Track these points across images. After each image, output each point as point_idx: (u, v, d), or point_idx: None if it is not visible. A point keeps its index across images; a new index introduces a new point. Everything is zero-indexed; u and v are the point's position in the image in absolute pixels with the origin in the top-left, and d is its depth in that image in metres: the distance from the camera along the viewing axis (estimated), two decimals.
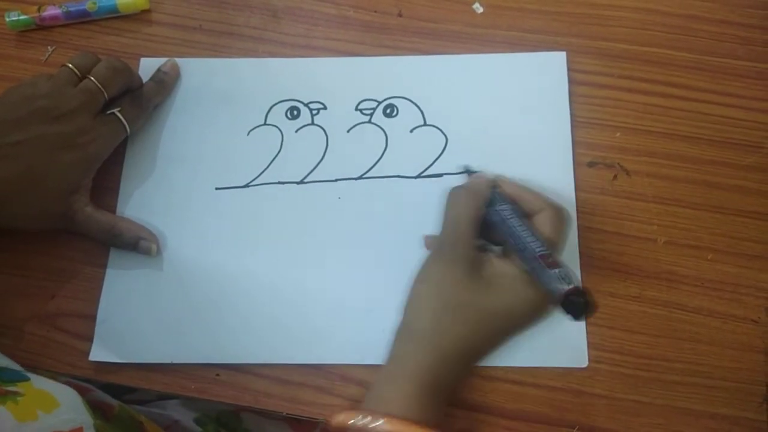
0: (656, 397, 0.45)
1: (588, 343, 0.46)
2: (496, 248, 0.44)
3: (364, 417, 0.38)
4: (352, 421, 0.38)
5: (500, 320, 0.41)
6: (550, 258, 0.39)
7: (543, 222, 0.42)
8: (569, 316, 0.38)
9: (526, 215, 0.42)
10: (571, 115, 0.52)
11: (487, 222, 0.43)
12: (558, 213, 0.42)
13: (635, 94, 0.52)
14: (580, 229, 0.49)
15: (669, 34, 0.54)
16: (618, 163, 0.51)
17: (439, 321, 0.41)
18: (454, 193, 0.44)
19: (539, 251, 0.39)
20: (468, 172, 0.49)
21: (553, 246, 0.41)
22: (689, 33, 0.54)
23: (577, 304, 0.37)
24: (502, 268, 0.41)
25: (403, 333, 0.42)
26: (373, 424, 0.37)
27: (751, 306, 0.47)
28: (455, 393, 0.43)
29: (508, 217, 0.42)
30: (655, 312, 0.47)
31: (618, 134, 0.51)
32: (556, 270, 0.38)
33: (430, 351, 0.40)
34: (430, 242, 0.47)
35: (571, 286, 0.37)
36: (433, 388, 0.40)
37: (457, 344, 0.40)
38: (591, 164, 0.51)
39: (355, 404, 0.45)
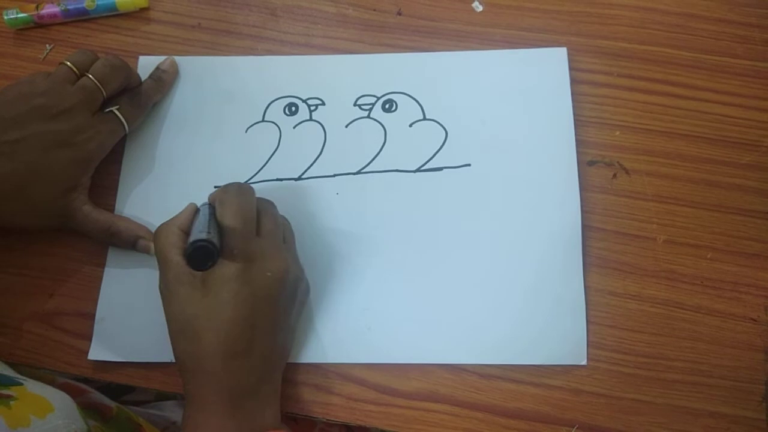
0: (656, 395, 0.45)
1: (587, 341, 0.46)
2: None
3: None
4: None
5: (230, 312, 0.41)
6: (191, 236, 0.41)
7: (219, 209, 0.43)
8: (196, 268, 0.40)
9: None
10: (573, 111, 0.52)
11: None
12: (222, 193, 0.44)
13: (634, 93, 0.52)
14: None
15: (668, 33, 0.54)
16: (617, 162, 0.51)
17: (185, 350, 0.41)
18: (156, 231, 0.44)
19: (192, 231, 0.41)
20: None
21: (234, 222, 0.42)
22: (688, 31, 0.54)
23: (190, 253, 0.39)
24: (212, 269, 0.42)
25: (180, 375, 0.43)
26: None
27: (751, 305, 0.47)
28: (267, 388, 0.43)
29: (193, 224, 0.43)
30: (655, 310, 0.47)
31: (617, 133, 0.51)
32: (190, 237, 0.40)
33: (199, 381, 0.41)
34: None
35: (189, 241, 0.39)
36: (230, 403, 0.40)
37: (212, 360, 0.40)
38: (591, 163, 0.51)
39: (369, 405, 0.45)
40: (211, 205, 0.44)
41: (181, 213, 0.44)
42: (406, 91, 0.53)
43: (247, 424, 0.40)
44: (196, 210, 0.44)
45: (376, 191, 0.50)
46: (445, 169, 0.51)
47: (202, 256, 0.40)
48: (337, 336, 0.47)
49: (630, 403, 0.45)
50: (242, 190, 0.44)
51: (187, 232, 0.43)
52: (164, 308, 0.43)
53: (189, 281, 0.41)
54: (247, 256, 0.41)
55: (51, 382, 0.45)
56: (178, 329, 0.42)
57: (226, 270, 0.41)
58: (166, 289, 0.42)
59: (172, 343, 0.42)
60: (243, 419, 0.40)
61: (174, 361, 0.46)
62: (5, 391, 0.36)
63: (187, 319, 0.41)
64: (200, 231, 0.40)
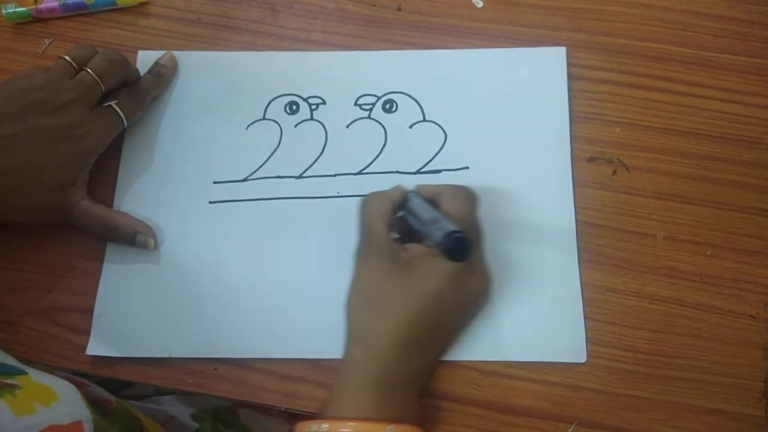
0: (655, 392, 0.45)
1: (587, 338, 0.46)
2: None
3: (321, 424, 0.39)
4: (314, 428, 0.39)
5: (427, 302, 0.42)
6: (438, 222, 0.40)
7: (446, 204, 0.43)
8: (453, 258, 0.39)
9: (436, 206, 0.44)
10: (570, 110, 0.52)
11: (407, 224, 0.45)
12: (457, 190, 0.44)
13: (635, 90, 0.52)
14: (579, 224, 0.49)
15: (668, 30, 0.54)
16: (617, 159, 0.51)
17: (366, 319, 0.43)
18: (366, 198, 0.46)
19: (429, 218, 0.41)
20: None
21: (461, 219, 0.42)
22: (688, 28, 0.54)
23: (455, 241, 0.38)
24: (415, 250, 0.43)
25: (346, 338, 0.44)
26: (334, 430, 0.39)
27: (750, 302, 0.47)
28: (416, 385, 0.44)
29: (415, 208, 0.44)
30: (654, 307, 0.47)
31: (617, 129, 0.51)
32: (439, 224, 0.40)
33: (367, 351, 0.42)
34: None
35: (448, 229, 0.39)
36: (385, 385, 0.41)
37: (389, 339, 0.41)
38: (590, 159, 0.51)
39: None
40: (423, 196, 0.45)
41: (391, 190, 0.45)
42: (406, 91, 0.53)
43: (391, 413, 0.40)
44: (403, 192, 0.45)
45: None
46: (444, 172, 0.51)
47: (462, 248, 0.39)
48: (337, 332, 0.47)
49: (629, 399, 0.45)
50: (472, 194, 0.45)
51: (394, 210, 0.44)
52: (355, 272, 0.45)
53: (391, 257, 0.42)
54: None
55: None
56: (365, 297, 0.43)
57: (440, 264, 0.42)
58: (364, 256, 0.44)
59: (351, 308, 0.44)
60: (389, 407, 0.41)
61: (170, 356, 0.46)
62: (10, 381, 0.36)
63: (379, 292, 0.42)
64: (440, 219, 0.41)
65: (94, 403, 0.45)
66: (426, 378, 0.45)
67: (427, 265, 0.42)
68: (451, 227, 0.39)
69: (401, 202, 0.45)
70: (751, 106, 0.51)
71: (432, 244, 0.41)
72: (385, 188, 0.50)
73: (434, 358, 0.45)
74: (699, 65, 0.53)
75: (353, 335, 0.43)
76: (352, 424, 0.39)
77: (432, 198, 0.45)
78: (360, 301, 0.44)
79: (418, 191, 0.46)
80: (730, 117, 0.51)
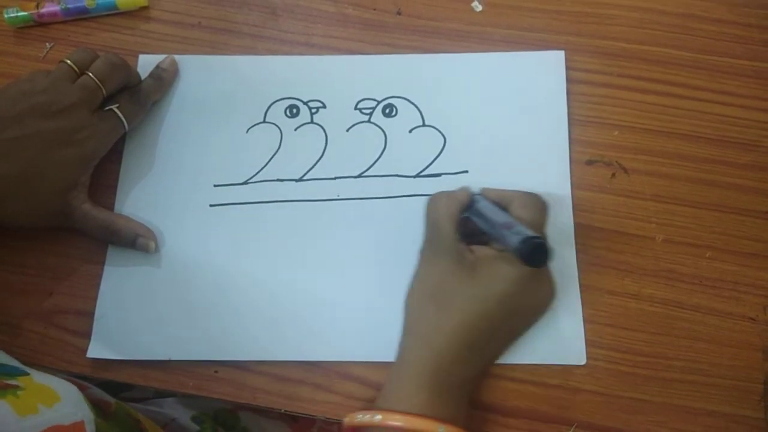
0: (654, 394, 0.45)
1: (586, 340, 0.46)
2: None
3: (374, 415, 0.39)
4: (366, 418, 0.40)
5: (491, 305, 0.42)
6: (514, 227, 0.40)
7: (518, 209, 0.43)
8: (530, 264, 0.39)
9: (505, 209, 0.44)
10: (569, 114, 0.52)
11: (471, 226, 0.45)
12: (529, 197, 0.44)
13: (634, 93, 0.52)
14: (578, 227, 0.49)
15: (667, 33, 0.54)
16: (616, 162, 0.51)
17: (428, 315, 0.43)
18: (434, 197, 0.46)
19: (503, 222, 0.41)
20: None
21: (532, 226, 0.42)
22: (687, 32, 0.54)
23: (534, 247, 0.38)
24: (482, 252, 0.43)
25: (404, 331, 0.44)
26: (386, 422, 0.39)
27: (749, 304, 0.47)
28: (468, 387, 0.44)
29: (485, 211, 0.43)
30: (654, 310, 0.47)
31: (616, 132, 0.51)
32: (515, 228, 0.40)
33: (425, 348, 0.42)
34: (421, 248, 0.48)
35: (527, 234, 0.38)
36: (440, 384, 0.41)
37: (449, 337, 0.41)
38: (589, 162, 0.51)
39: (369, 404, 0.45)
40: (490, 200, 0.45)
41: (458, 191, 0.45)
42: (405, 96, 0.53)
43: (443, 412, 0.40)
44: (470, 193, 0.45)
45: (377, 195, 0.51)
46: (443, 175, 0.51)
47: (540, 255, 0.39)
48: (337, 334, 0.47)
49: (629, 402, 0.45)
50: (543, 202, 0.45)
51: (461, 211, 0.44)
52: (419, 269, 0.45)
53: (458, 257, 0.42)
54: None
55: None
56: (428, 295, 0.43)
57: (508, 268, 0.42)
58: (431, 253, 0.44)
59: (412, 304, 0.44)
60: (442, 406, 0.41)
61: (170, 358, 0.47)
62: (12, 381, 0.36)
63: (444, 291, 0.42)
64: (514, 224, 0.40)
65: (94, 405, 0.45)
66: (477, 382, 0.45)
67: (494, 268, 0.42)
68: (530, 233, 0.39)
69: (468, 203, 0.45)
70: (750, 109, 0.52)
71: (505, 248, 0.41)
72: (386, 191, 0.50)
73: (489, 362, 0.45)
74: (697, 68, 0.53)
75: (412, 330, 0.43)
76: (404, 417, 0.39)
77: (501, 202, 0.44)
78: (422, 298, 0.44)
79: (485, 194, 0.46)
80: (728, 120, 0.51)
